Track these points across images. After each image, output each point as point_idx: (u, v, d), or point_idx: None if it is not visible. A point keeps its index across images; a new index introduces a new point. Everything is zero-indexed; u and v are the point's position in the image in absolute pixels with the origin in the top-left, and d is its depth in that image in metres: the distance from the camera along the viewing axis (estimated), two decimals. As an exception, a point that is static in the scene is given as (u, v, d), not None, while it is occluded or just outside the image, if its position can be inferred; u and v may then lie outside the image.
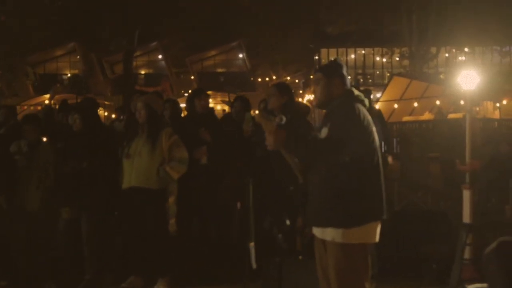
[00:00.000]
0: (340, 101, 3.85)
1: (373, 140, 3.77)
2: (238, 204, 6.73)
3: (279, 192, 5.36)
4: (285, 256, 4.30)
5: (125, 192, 5.78)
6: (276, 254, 4.27)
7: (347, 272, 3.66)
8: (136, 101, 6.52)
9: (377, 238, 3.81)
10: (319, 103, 3.99)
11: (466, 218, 5.83)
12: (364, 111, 3.81)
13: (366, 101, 3.92)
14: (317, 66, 41.29)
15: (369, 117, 3.80)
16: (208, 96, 7.05)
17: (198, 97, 6.88)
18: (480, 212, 8.49)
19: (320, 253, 3.86)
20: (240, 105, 7.00)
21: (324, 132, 3.75)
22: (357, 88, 4.35)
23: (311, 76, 42.36)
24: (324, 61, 41.02)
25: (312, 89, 39.33)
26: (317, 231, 3.84)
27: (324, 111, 4.07)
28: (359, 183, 3.68)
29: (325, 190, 3.72)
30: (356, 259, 3.69)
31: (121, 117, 9.56)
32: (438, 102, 22.06)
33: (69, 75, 40.43)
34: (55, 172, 5.97)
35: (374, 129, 3.81)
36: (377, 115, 5.84)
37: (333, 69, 3.98)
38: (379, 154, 3.80)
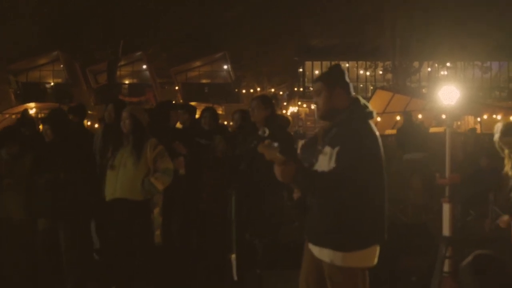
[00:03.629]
0: (347, 116, 3.57)
1: (381, 165, 3.56)
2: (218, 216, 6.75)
3: (261, 204, 5.37)
4: (266, 268, 4.27)
5: (109, 204, 5.74)
6: (257, 266, 4.23)
7: None
8: (109, 110, 6.54)
9: (376, 260, 3.62)
10: (322, 115, 3.70)
11: (446, 231, 5.87)
12: (373, 129, 3.59)
13: (374, 113, 3.68)
14: (301, 79, 41.73)
15: (377, 134, 3.60)
16: (187, 112, 7.08)
17: (174, 109, 6.96)
18: (460, 226, 8.58)
19: (309, 267, 3.73)
20: (210, 116, 7.07)
21: (328, 152, 3.51)
22: None
23: (295, 89, 42.60)
24: (308, 73, 41.30)
25: (296, 101, 39.46)
26: (314, 249, 3.65)
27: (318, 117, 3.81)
28: (362, 206, 3.47)
29: (325, 210, 3.53)
30: (356, 281, 3.55)
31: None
32: (420, 116, 22.26)
33: (52, 84, 40.21)
34: (31, 182, 5.93)
35: (381, 147, 3.59)
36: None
37: (335, 78, 3.71)
38: (385, 174, 3.59)
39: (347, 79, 3.73)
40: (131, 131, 5.72)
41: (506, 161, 5.34)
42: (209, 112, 7.22)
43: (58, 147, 5.89)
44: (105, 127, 6.58)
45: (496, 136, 5.33)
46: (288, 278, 4.29)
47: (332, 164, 3.46)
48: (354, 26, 32.26)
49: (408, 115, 13.94)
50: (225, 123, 26.13)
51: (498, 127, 5.32)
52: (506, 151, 5.32)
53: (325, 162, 3.52)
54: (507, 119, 22.55)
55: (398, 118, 22.89)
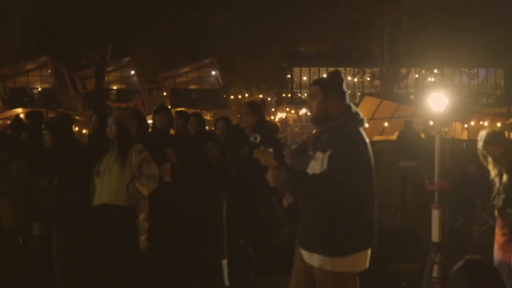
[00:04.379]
0: (340, 123, 3.61)
1: (371, 171, 3.58)
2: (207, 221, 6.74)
3: (253, 210, 5.38)
4: (259, 274, 4.27)
5: (96, 209, 5.74)
6: (250, 271, 4.23)
7: None
8: (93, 121, 6.54)
9: (367, 264, 3.62)
10: (315, 119, 3.71)
11: (435, 237, 5.92)
12: (363, 136, 3.64)
13: (365, 120, 3.73)
14: (289, 85, 41.83)
15: (367, 140, 3.63)
16: (168, 113, 7.05)
17: (157, 113, 6.95)
18: (448, 232, 8.63)
19: (299, 272, 3.74)
20: (196, 122, 7.08)
21: (319, 158, 3.54)
22: None
23: (283, 95, 42.69)
24: (296, 79, 41.40)
25: (284, 107, 39.53)
26: (304, 254, 3.66)
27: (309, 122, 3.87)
28: (353, 211, 3.49)
29: (316, 215, 3.55)
30: (346, 285, 3.56)
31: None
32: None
33: (39, 89, 40.04)
34: (26, 188, 5.92)
35: (371, 153, 3.63)
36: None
37: (332, 84, 3.72)
38: (374, 180, 3.61)
39: (345, 88, 3.75)
40: (116, 138, 5.72)
41: (491, 168, 5.39)
42: (196, 118, 7.22)
43: (55, 152, 5.88)
44: (89, 138, 6.58)
45: (480, 145, 5.39)
46: (279, 284, 4.29)
47: (324, 168, 3.48)
48: (343, 33, 32.46)
49: (409, 123, 14.00)
50: (213, 128, 26.23)
51: (481, 136, 5.37)
52: (490, 159, 5.38)
53: (317, 167, 3.55)
54: (494, 126, 22.75)
55: (386, 124, 23.04)
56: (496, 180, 5.31)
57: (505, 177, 5.23)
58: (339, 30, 32.40)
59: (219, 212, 4.65)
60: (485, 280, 4.71)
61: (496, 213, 5.36)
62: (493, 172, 5.36)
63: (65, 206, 5.78)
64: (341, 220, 3.49)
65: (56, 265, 5.84)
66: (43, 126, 6.33)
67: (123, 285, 5.75)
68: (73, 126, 8.50)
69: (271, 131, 6.11)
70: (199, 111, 31.29)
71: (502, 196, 5.24)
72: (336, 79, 3.76)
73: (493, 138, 5.34)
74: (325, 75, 3.99)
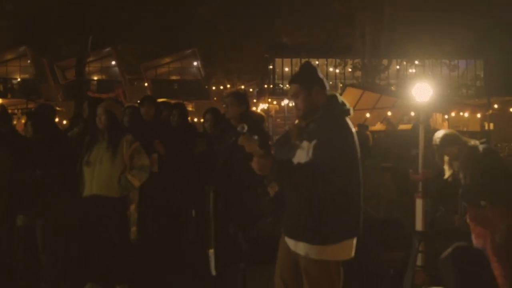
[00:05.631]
0: (325, 112, 3.64)
1: (357, 160, 3.62)
2: (193, 212, 6.75)
3: (242, 199, 5.39)
4: (249, 263, 4.29)
5: (86, 200, 5.70)
6: (241, 260, 4.25)
7: (322, 286, 3.60)
8: (85, 107, 6.50)
9: (353, 253, 3.67)
10: (304, 115, 3.73)
11: (419, 226, 6.00)
12: (349, 125, 3.66)
13: (351, 110, 3.76)
14: (271, 76, 41.81)
15: (353, 130, 3.65)
16: (153, 104, 7.03)
17: (141, 105, 6.94)
18: (429, 221, 8.71)
19: (284, 260, 3.78)
20: (178, 115, 7.06)
21: (306, 146, 3.56)
22: None
23: (265, 86, 42.68)
24: (278, 70, 41.38)
25: (266, 98, 39.53)
26: (290, 242, 3.70)
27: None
28: (338, 201, 3.53)
29: (301, 204, 3.56)
30: (330, 273, 3.60)
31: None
32: (389, 113, 22.50)
33: (19, 79, 39.57)
34: (9, 179, 5.85)
35: (357, 143, 3.65)
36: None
37: (310, 78, 3.76)
38: (361, 169, 3.64)
39: (320, 75, 3.79)
40: (106, 127, 5.70)
41: (446, 168, 5.54)
42: (178, 111, 7.18)
43: (37, 143, 5.82)
44: (84, 123, 6.52)
45: (436, 147, 5.53)
46: (264, 273, 4.31)
47: (310, 157, 3.51)
48: (324, 24, 32.43)
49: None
50: (195, 120, 26.10)
51: (437, 138, 5.51)
52: (446, 159, 5.52)
53: (303, 156, 3.57)
54: (474, 116, 22.97)
55: (368, 115, 23.13)
56: (461, 177, 5.44)
57: (469, 174, 5.36)
58: (321, 22, 32.39)
59: (206, 202, 4.67)
60: (474, 266, 4.80)
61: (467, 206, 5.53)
62: (448, 172, 5.52)
63: (49, 197, 5.74)
64: (327, 209, 3.52)
65: (42, 257, 5.81)
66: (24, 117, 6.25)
67: (114, 276, 5.75)
68: (55, 116, 8.42)
69: (256, 121, 6.13)
70: (182, 102, 31.33)
71: (472, 191, 5.37)
72: (310, 71, 3.82)
73: (449, 139, 5.48)
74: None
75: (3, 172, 5.85)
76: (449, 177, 5.54)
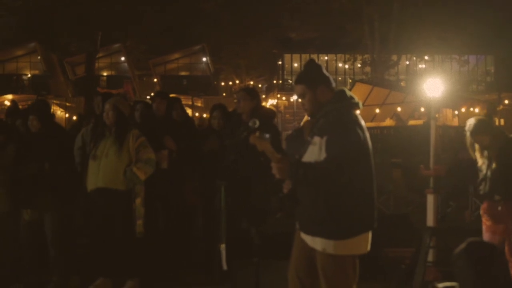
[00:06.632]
0: (333, 107, 3.63)
1: (369, 153, 3.62)
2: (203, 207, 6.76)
3: (253, 193, 5.41)
4: (262, 257, 4.30)
5: (92, 193, 5.75)
6: (254, 254, 4.26)
7: (338, 282, 3.60)
8: (97, 102, 6.53)
9: (368, 247, 3.68)
10: (312, 114, 3.73)
11: (430, 221, 5.99)
12: (358, 119, 3.65)
13: (360, 104, 3.76)
14: (280, 71, 41.76)
15: (363, 123, 3.65)
16: (164, 100, 7.02)
17: (153, 101, 6.97)
18: (440, 217, 8.70)
19: (299, 256, 3.77)
20: (180, 106, 7.10)
21: (318, 142, 3.56)
22: None
23: (274, 81, 42.64)
24: (287, 66, 41.31)
25: (275, 94, 39.50)
26: (306, 238, 3.69)
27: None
28: (352, 193, 3.54)
29: (317, 199, 3.56)
30: (347, 269, 3.61)
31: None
32: (399, 109, 22.44)
33: (29, 75, 39.74)
34: (16, 174, 5.88)
35: (368, 137, 3.65)
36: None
37: (315, 77, 3.73)
38: (372, 162, 3.64)
39: (326, 72, 3.77)
40: (114, 123, 5.75)
41: (478, 156, 5.46)
42: (179, 104, 7.17)
43: (44, 137, 5.86)
44: (96, 118, 6.54)
45: (468, 134, 5.44)
46: (279, 268, 4.31)
47: (323, 154, 3.51)
48: (333, 19, 32.30)
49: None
50: (204, 115, 26.11)
51: (469, 125, 5.41)
52: (477, 147, 5.44)
53: (315, 152, 3.57)
54: (484, 112, 22.86)
55: (377, 111, 23.09)
56: (484, 167, 5.38)
57: (494, 165, 5.30)
58: (330, 17, 32.24)
59: (216, 197, 4.67)
60: (488, 262, 4.79)
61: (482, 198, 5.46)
62: (480, 160, 5.43)
63: (58, 190, 5.78)
64: (342, 203, 3.53)
65: (52, 251, 5.85)
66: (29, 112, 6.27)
67: (124, 271, 5.78)
68: (65, 112, 8.46)
69: (268, 116, 6.13)
70: (190, 97, 31.35)
71: (489, 183, 5.31)
72: (315, 70, 3.79)
73: (481, 126, 5.39)
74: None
75: (10, 166, 5.87)
76: (481, 166, 5.42)
